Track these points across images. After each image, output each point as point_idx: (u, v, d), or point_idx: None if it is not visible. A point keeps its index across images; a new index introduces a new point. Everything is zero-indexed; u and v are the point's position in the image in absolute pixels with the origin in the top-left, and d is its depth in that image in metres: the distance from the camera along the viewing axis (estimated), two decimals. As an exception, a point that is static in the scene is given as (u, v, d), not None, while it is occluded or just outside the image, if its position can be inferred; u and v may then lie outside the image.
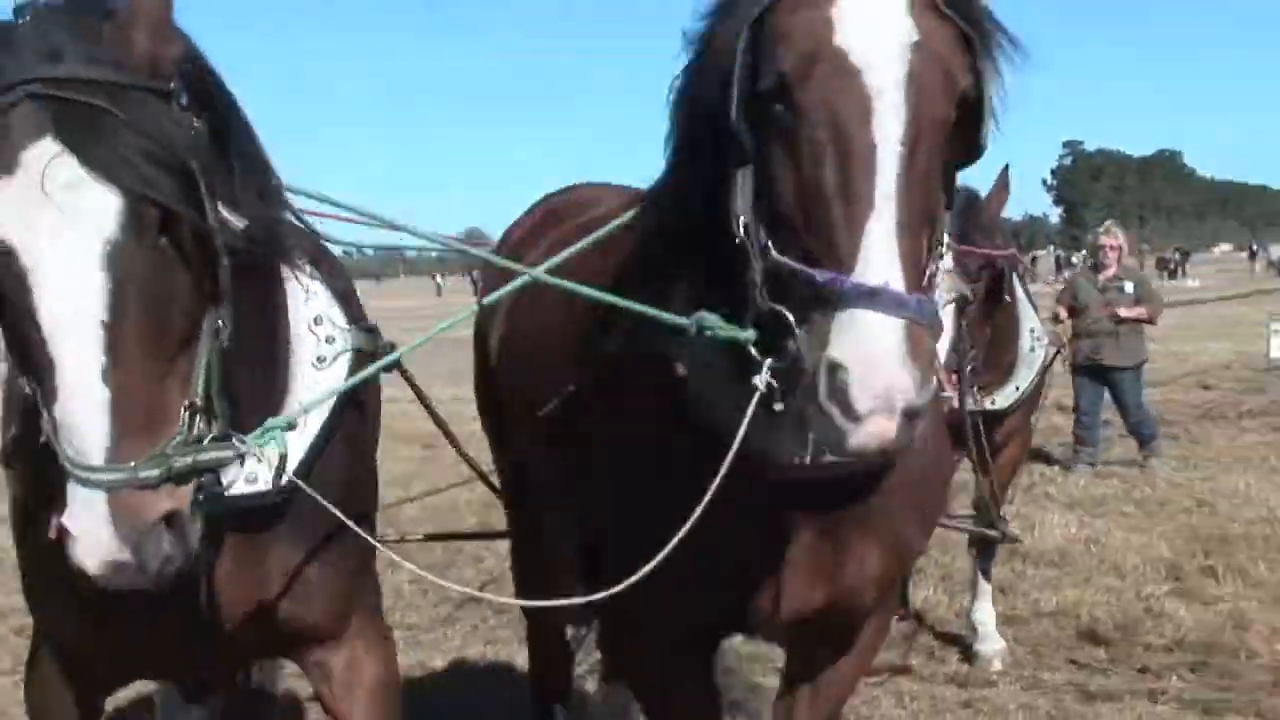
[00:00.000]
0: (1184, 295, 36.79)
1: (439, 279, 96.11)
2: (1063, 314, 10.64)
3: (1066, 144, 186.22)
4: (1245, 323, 21.89)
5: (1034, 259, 50.26)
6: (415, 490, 10.40)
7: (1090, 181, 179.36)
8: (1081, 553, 8.11)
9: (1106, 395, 11.73)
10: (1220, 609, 6.85)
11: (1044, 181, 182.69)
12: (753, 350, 2.44)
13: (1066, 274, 27.67)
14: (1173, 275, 63.62)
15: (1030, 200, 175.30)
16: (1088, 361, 11.33)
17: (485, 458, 5.01)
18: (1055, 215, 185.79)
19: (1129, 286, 11.54)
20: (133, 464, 2.08)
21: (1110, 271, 11.55)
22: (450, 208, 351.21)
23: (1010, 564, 7.74)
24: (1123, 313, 11.30)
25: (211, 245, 2.24)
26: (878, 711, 5.61)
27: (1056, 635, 6.65)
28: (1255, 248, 76.34)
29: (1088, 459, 11.52)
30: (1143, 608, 6.91)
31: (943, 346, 2.82)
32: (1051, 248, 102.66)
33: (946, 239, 2.50)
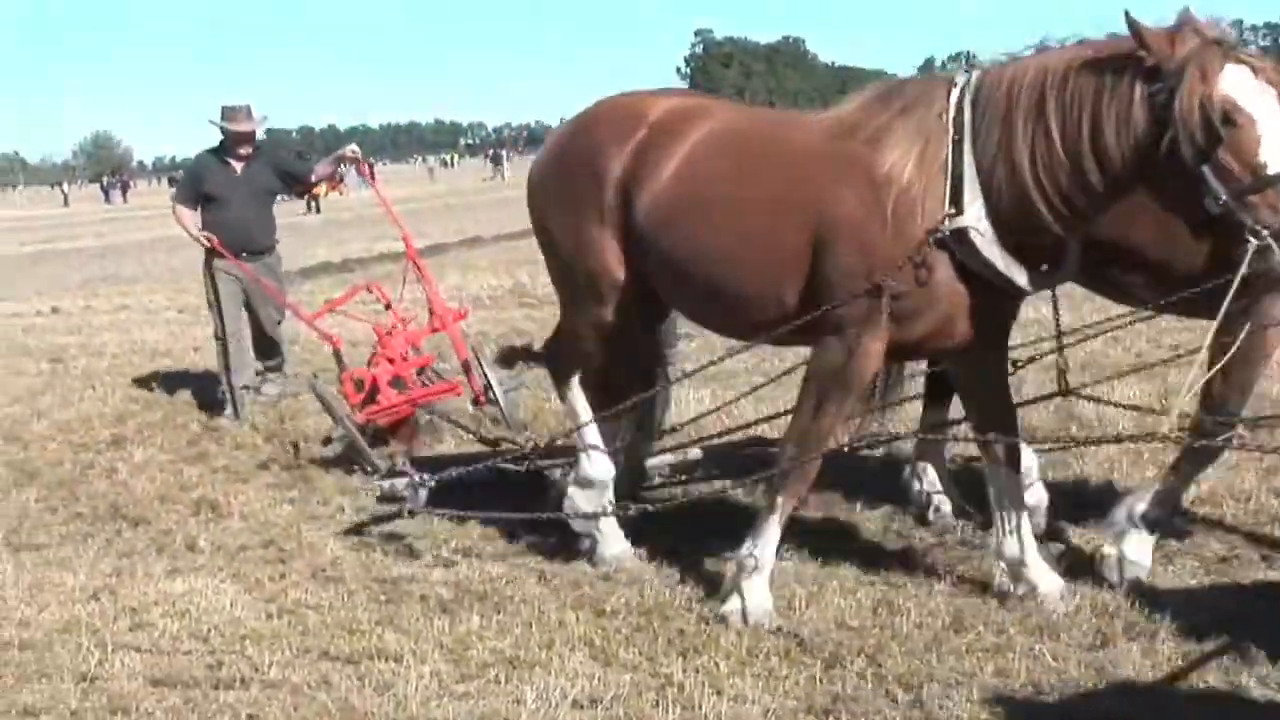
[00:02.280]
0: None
1: (65, 187, 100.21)
2: None
3: (697, 32, 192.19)
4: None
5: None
6: (43, 404, 10.50)
7: (721, 69, 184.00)
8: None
9: None
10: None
11: (678, 69, 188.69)
12: None
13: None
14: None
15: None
16: None
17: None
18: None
19: None
20: None
21: None
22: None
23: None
24: None
25: None
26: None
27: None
28: None
29: None
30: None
31: None
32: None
33: None
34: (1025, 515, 5.12)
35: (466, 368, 8.21)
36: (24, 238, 42.39)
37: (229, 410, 9.47)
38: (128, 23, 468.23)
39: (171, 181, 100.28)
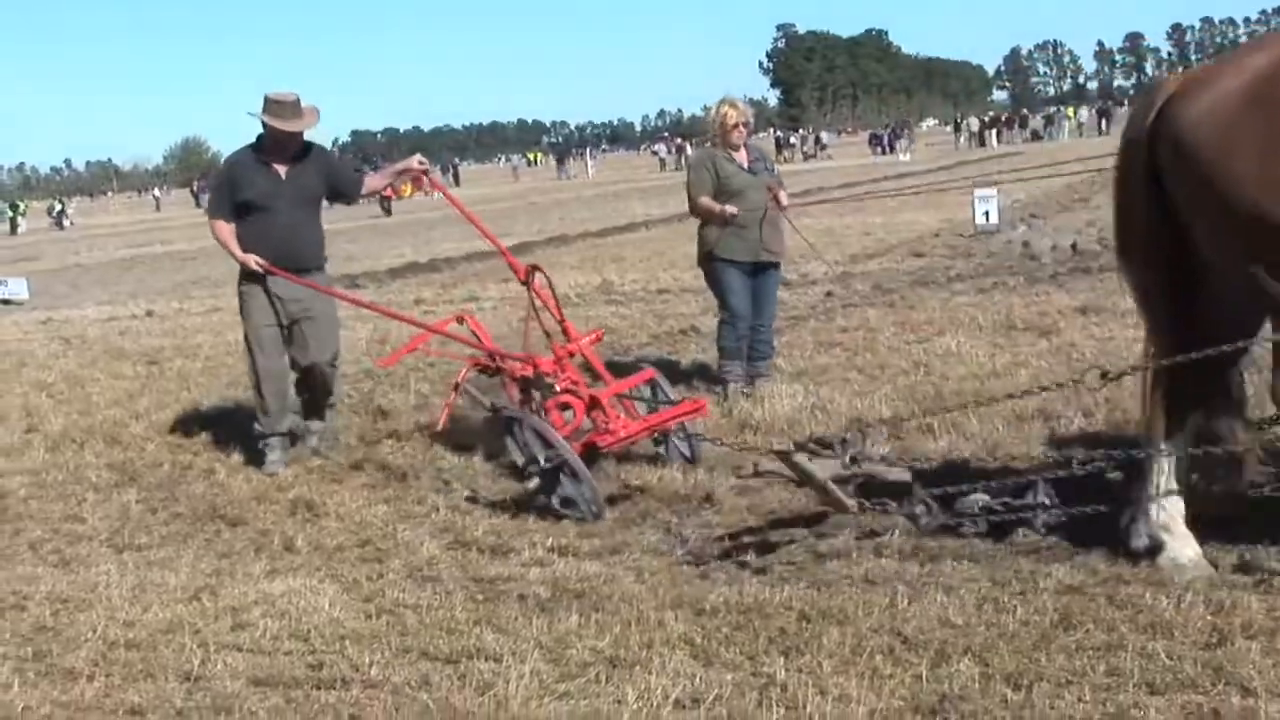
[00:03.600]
0: (896, 170, 42.60)
1: (157, 193, 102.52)
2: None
3: (779, 27, 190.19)
4: (951, 193, 22.32)
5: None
6: (141, 406, 10.66)
7: (804, 62, 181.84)
8: (809, 419, 8.14)
9: None
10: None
11: (760, 64, 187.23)
12: None
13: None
14: (885, 151, 67.26)
15: (749, 84, 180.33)
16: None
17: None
18: (773, 97, 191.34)
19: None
20: None
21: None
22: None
23: (743, 436, 7.94)
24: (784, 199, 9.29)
25: None
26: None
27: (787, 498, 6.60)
28: (960, 121, 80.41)
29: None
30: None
31: None
32: (772, 129, 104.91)
33: None
34: None
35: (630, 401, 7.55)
36: (118, 243, 43.37)
37: (269, 458, 8.20)
38: (213, 26, 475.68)
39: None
